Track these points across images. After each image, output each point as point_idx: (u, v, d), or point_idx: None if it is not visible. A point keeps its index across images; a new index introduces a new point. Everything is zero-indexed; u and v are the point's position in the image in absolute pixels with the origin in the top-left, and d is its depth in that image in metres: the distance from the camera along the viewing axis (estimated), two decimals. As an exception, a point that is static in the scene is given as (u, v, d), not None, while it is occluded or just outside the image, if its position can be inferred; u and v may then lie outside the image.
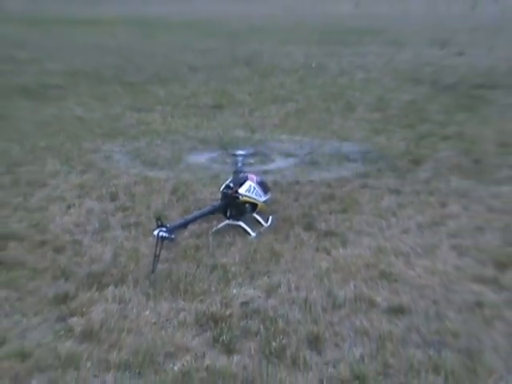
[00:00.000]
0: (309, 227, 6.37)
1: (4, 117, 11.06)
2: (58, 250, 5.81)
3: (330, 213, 6.76)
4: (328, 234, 6.22)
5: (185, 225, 5.94)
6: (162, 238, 5.38)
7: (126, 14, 36.48)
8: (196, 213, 6.23)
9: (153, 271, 5.30)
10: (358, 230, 6.35)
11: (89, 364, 4.15)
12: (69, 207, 6.89)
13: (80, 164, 8.37)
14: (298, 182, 7.71)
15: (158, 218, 5.50)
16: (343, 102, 12.51)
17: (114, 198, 7.15)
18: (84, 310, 4.79)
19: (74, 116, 11.22)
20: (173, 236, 5.49)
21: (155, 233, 5.40)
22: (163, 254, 5.64)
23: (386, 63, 17.84)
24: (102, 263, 5.54)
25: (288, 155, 8.89)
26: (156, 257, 5.32)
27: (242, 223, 6.23)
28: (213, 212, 6.24)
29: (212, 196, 7.08)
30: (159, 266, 5.42)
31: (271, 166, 8.31)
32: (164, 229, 5.40)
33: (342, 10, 40.85)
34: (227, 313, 4.74)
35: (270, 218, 6.46)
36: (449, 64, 17.47)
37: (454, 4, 43.84)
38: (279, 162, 8.56)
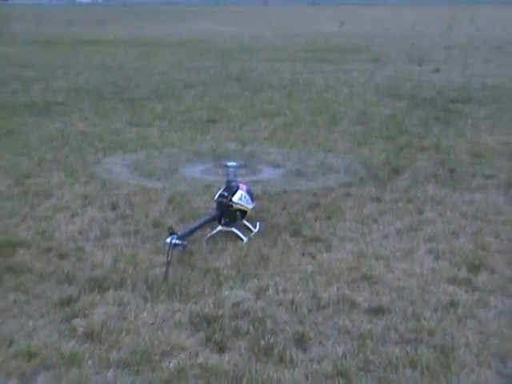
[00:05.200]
0: (295, 233, 6.40)
1: (13, 132, 11.06)
2: (63, 256, 5.83)
3: (316, 220, 6.79)
4: (313, 239, 6.25)
5: (191, 232, 5.98)
6: (175, 245, 5.47)
7: (126, 35, 36.48)
8: (199, 221, 6.26)
9: (165, 278, 5.31)
10: (342, 235, 6.39)
11: (90, 362, 4.17)
12: (73, 216, 6.91)
13: (83, 176, 8.38)
14: (285, 191, 7.74)
15: (170, 227, 5.61)
16: (328, 116, 12.52)
17: (114, 207, 7.17)
18: (86, 312, 4.80)
19: (77, 131, 11.21)
20: (185, 243, 5.61)
21: (168, 240, 5.47)
22: (160, 259, 5.69)
23: (369, 79, 17.88)
24: (103, 268, 5.56)
25: (276, 166, 8.93)
26: (168, 264, 5.36)
27: (234, 229, 6.26)
28: (212, 220, 6.29)
29: (205, 205, 7.12)
30: (157, 271, 5.46)
31: (261, 177, 8.34)
32: (176, 236, 5.48)
33: (327, 30, 40.88)
34: (219, 313, 4.76)
35: (258, 223, 6.48)
36: (426, 80, 17.54)
37: (431, 24, 44.03)
38: (268, 173, 8.59)
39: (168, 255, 5.38)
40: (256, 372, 4.06)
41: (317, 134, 10.99)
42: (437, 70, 19.26)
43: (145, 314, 4.77)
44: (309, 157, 9.41)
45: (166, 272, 5.34)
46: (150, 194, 7.63)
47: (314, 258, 5.83)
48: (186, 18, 59.84)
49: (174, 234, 5.53)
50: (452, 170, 8.63)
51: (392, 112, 12.95)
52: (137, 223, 6.68)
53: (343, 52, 25.48)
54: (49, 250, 5.98)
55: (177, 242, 5.49)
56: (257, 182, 7.95)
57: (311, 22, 51.41)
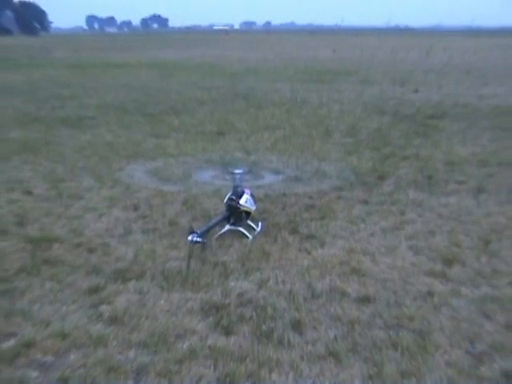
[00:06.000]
0: (293, 231, 6.37)
1: (50, 142, 11.06)
2: (91, 250, 5.83)
3: (311, 220, 6.76)
4: (309, 237, 6.22)
5: (208, 230, 5.96)
6: (196, 242, 5.47)
7: (148, 59, 36.54)
8: (213, 221, 6.23)
9: (188, 268, 5.31)
10: (334, 233, 6.35)
11: (115, 343, 4.19)
12: (100, 216, 6.89)
13: (109, 180, 8.36)
14: (284, 195, 7.70)
15: (191, 227, 5.62)
16: (322, 129, 12.46)
17: (136, 208, 7.15)
18: (111, 299, 4.81)
19: (105, 141, 11.19)
20: (205, 240, 5.62)
21: (190, 238, 5.47)
22: (175, 254, 5.68)
23: (357, 97, 17.82)
24: (126, 261, 5.55)
25: (277, 172, 8.90)
26: (190, 257, 5.35)
27: (241, 229, 6.24)
28: (223, 220, 6.27)
29: (215, 206, 7.09)
30: (172, 264, 5.44)
31: (263, 182, 8.31)
32: (196, 234, 5.48)
33: (322, 55, 40.94)
34: (226, 302, 4.76)
35: (260, 223, 6.45)
36: (407, 98, 17.48)
37: (411, 51, 44.07)
38: (270, 178, 8.56)
39: (190, 250, 5.38)
40: (258, 353, 4.06)
41: (312, 144, 10.94)
42: (416, 91, 19.21)
43: (162, 302, 4.76)
44: (305, 164, 9.37)
45: (188, 264, 5.34)
46: (166, 196, 7.60)
47: (309, 253, 5.80)
48: (200, 45, 59.95)
49: (195, 232, 5.52)
50: (429, 177, 8.59)
51: (378, 126, 12.89)
52: (155, 222, 6.65)
53: (336, 74, 25.43)
54: (79, 245, 5.97)
55: (198, 239, 5.49)
56: (260, 186, 7.93)
57: (308, 48, 51.46)
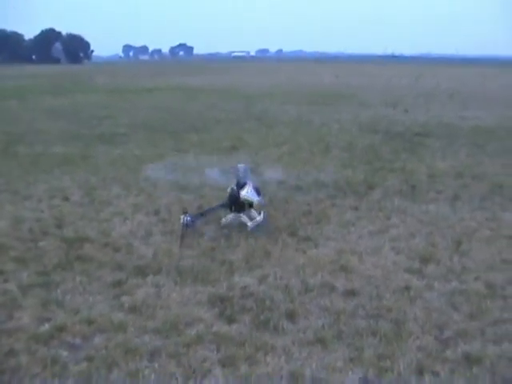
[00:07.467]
0: (292, 234, 6.39)
1: (87, 156, 11.13)
2: (116, 249, 5.89)
3: (308, 224, 6.78)
4: (305, 239, 6.24)
5: (202, 214, 6.04)
6: (186, 221, 5.70)
7: (175, 84, 36.71)
8: (211, 207, 6.29)
9: (180, 246, 5.40)
10: (327, 236, 6.37)
11: (133, 329, 4.25)
12: (125, 220, 6.94)
13: (135, 189, 8.41)
14: (286, 201, 7.73)
15: (184, 208, 5.83)
16: (323, 146, 12.44)
17: (157, 213, 7.18)
18: (131, 291, 4.87)
19: (133, 155, 11.25)
20: (193, 220, 5.85)
21: (181, 218, 5.68)
22: (189, 253, 5.72)
23: (355, 118, 17.74)
24: (146, 259, 5.60)
25: (281, 182, 8.90)
26: (182, 237, 5.47)
27: (242, 215, 6.32)
28: (221, 207, 6.32)
29: (225, 210, 7.10)
30: (185, 262, 5.48)
31: (268, 190, 8.32)
32: (187, 216, 5.70)
33: (326, 80, 40.92)
34: (230, 294, 4.79)
35: (262, 213, 6.44)
36: (398, 119, 17.41)
37: (403, 77, 43.98)
38: (274, 187, 8.57)
39: (182, 230, 5.44)
40: (256, 338, 4.10)
41: (313, 158, 10.94)
42: (406, 112, 19.15)
43: (174, 294, 4.81)
44: (306, 175, 9.37)
45: (181, 243, 5.39)
46: (184, 203, 7.60)
47: (305, 253, 5.83)
48: (220, 71, 60.14)
49: (187, 213, 5.69)
50: (413, 187, 8.58)
51: (371, 143, 12.86)
52: (173, 225, 6.65)
53: (337, 97, 25.38)
54: (107, 244, 6.03)
55: (188, 219, 5.70)
56: (265, 194, 7.91)
57: (314, 75, 51.45)
